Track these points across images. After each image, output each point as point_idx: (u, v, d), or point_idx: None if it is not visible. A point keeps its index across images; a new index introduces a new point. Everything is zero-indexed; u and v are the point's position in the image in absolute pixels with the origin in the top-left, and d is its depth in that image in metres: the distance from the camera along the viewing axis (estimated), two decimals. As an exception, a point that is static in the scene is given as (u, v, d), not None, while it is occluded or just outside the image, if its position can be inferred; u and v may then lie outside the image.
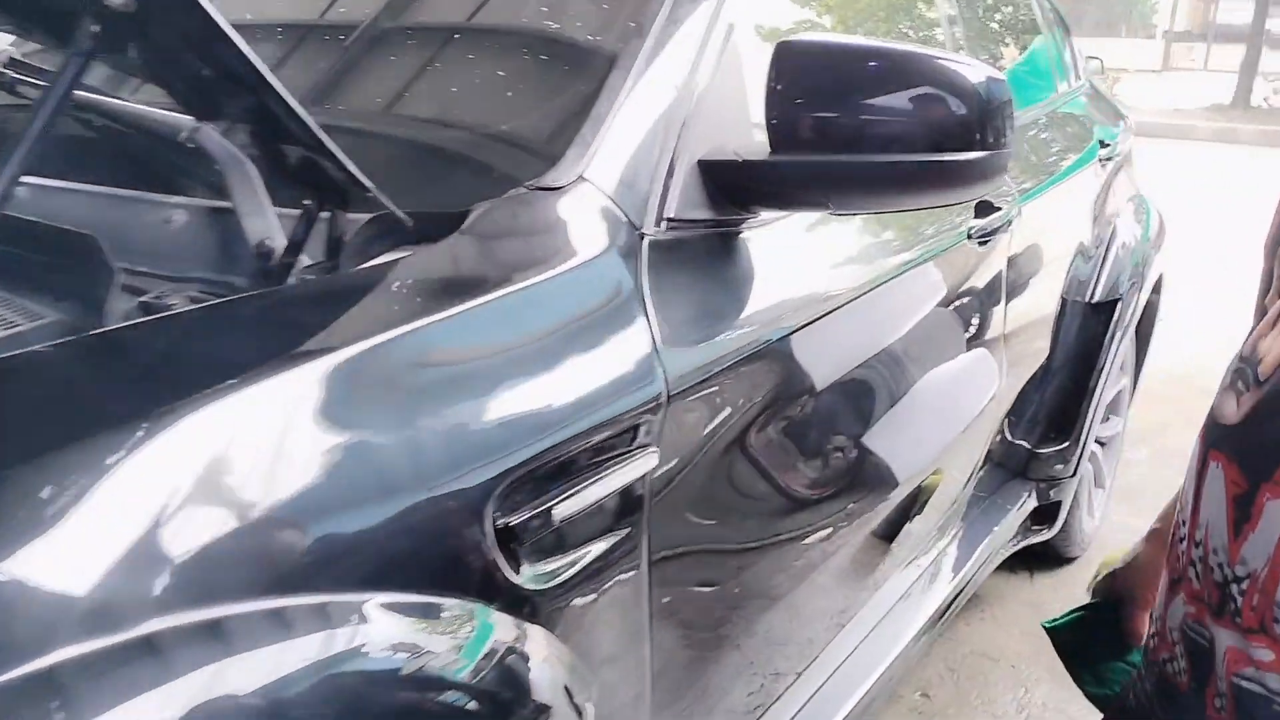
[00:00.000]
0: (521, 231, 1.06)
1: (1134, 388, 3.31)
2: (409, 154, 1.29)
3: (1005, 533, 2.55)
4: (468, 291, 0.95)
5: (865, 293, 1.50)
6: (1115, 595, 1.26)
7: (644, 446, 1.05)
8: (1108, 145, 2.89)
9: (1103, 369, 2.67)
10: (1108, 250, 2.75)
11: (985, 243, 1.90)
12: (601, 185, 1.12)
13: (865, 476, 1.66)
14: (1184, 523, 0.97)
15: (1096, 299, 2.67)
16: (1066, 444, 2.64)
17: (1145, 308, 2.98)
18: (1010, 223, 1.99)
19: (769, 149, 1.19)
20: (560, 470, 0.95)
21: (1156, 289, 3.10)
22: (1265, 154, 12.51)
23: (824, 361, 1.43)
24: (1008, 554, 2.64)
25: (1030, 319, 2.36)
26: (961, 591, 2.33)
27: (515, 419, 0.92)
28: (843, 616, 1.86)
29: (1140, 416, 3.50)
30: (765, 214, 1.31)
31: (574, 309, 1.03)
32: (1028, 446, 2.61)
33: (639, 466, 1.04)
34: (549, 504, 0.93)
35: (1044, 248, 2.38)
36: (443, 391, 0.88)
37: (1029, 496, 2.61)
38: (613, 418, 1.00)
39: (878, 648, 1.97)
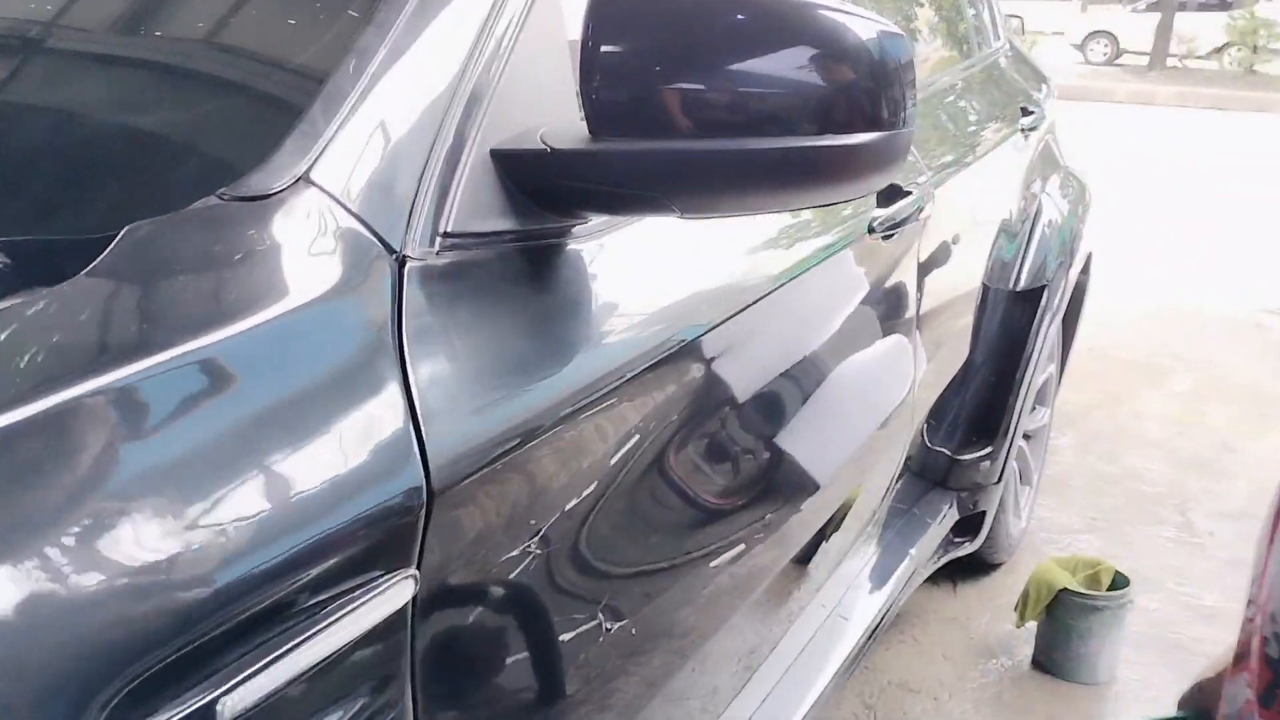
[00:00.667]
0: (199, 263, 0.72)
1: (1061, 374, 3.06)
2: (53, 159, 0.92)
3: (926, 549, 2.28)
4: (89, 366, 0.62)
5: (736, 314, 1.19)
6: (1204, 707, 1.15)
7: (391, 574, 0.72)
8: (1031, 113, 2.61)
9: (1029, 363, 2.41)
10: (1032, 231, 2.48)
11: (891, 236, 1.59)
12: (335, 190, 0.79)
13: (758, 520, 1.37)
14: (1254, 592, 0.90)
15: (1021, 285, 2.40)
16: (990, 448, 2.38)
17: (1074, 289, 2.72)
18: (922, 209, 1.68)
19: (588, 134, 0.87)
20: (236, 640, 0.62)
21: (1085, 268, 2.84)
22: (1180, 115, 12.49)
23: (686, 400, 1.12)
24: (929, 572, 2.38)
25: (947, 315, 2.08)
26: (880, 622, 2.07)
27: (154, 577, 0.58)
28: (750, 660, 1.57)
29: (1063, 397, 3.26)
30: (596, 218, 0.99)
31: (278, 379, 0.69)
32: (948, 453, 2.34)
33: (383, 604, 0.71)
34: (214, 697, 0.60)
35: (962, 233, 2.09)
36: (26, 539, 0.55)
37: (950, 507, 2.34)
38: (332, 540, 0.67)
39: (790, 694, 1.72)
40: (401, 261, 0.80)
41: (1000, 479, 2.43)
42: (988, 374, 2.38)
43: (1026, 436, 2.80)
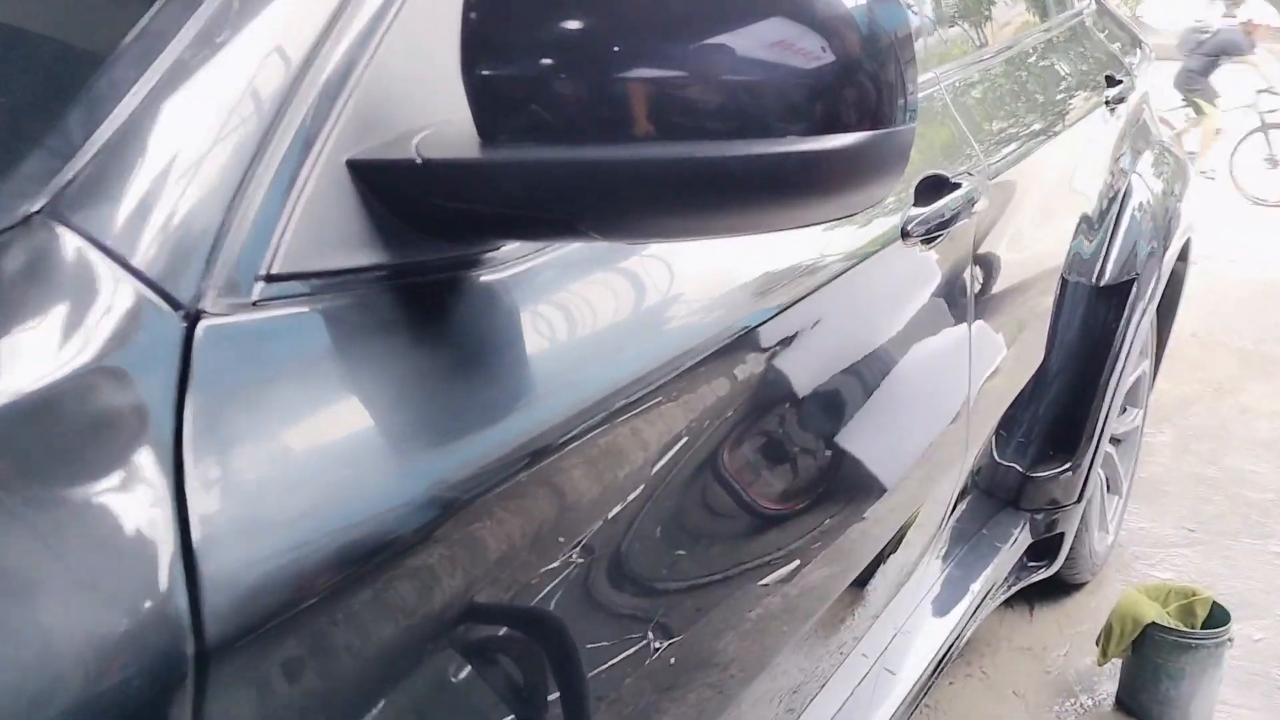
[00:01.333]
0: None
1: (1156, 371, 2.75)
2: None
3: (996, 575, 2.03)
4: None
5: (710, 357, 0.96)
6: None
7: None
8: (1119, 82, 2.30)
9: (1116, 366, 2.13)
10: (1119, 217, 2.19)
11: (935, 239, 1.34)
12: (90, 225, 0.59)
13: (792, 554, 1.18)
14: None
15: (1107, 279, 2.12)
16: (1069, 463, 2.11)
17: (1170, 278, 2.41)
18: (974, 201, 1.43)
19: (477, 139, 0.66)
20: None
21: (1184, 254, 2.52)
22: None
23: (648, 469, 0.90)
24: (1000, 600, 2.13)
25: (1013, 317, 1.81)
26: (944, 658, 1.84)
27: None
28: (793, 702, 1.38)
29: (1159, 388, 2.94)
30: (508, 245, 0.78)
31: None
32: (1019, 469, 2.08)
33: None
34: None
35: (1030, 225, 1.81)
36: None
37: (1022, 530, 2.09)
38: None
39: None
40: (192, 320, 0.59)
41: (1082, 497, 2.16)
42: (1067, 380, 2.11)
43: (1115, 441, 2.52)
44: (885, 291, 1.28)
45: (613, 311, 0.88)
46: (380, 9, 0.73)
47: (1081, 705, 2.16)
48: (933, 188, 1.33)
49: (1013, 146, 1.70)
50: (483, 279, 0.77)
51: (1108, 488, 2.54)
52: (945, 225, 1.34)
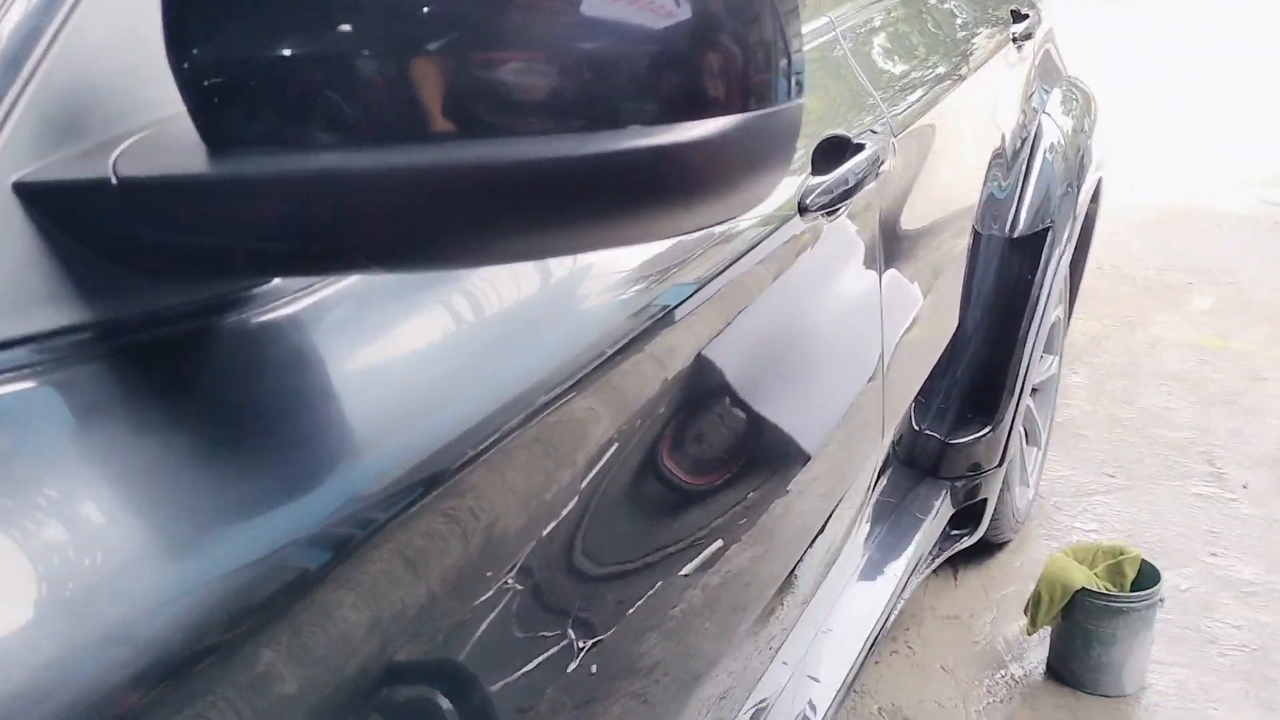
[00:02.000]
0: None
1: (1070, 314, 2.66)
2: None
3: (921, 549, 1.92)
4: None
5: (591, 371, 0.79)
6: None
7: None
8: (1025, 16, 2.16)
9: (1033, 321, 2.01)
10: (1031, 161, 2.06)
11: (836, 211, 1.17)
12: None
13: (712, 550, 1.06)
14: None
15: (1021, 230, 1.99)
16: (989, 427, 1.99)
17: (1083, 221, 2.30)
18: (880, 162, 1.26)
19: (203, 147, 0.47)
20: None
21: (1095, 195, 2.41)
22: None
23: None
24: (925, 574, 2.01)
25: (924, 282, 1.66)
26: (874, 640, 1.72)
27: None
28: (721, 710, 1.24)
29: (1071, 326, 2.84)
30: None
31: None
32: (938, 438, 1.96)
33: None
34: None
35: (939, 182, 1.66)
36: None
37: (944, 500, 1.97)
38: None
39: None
40: None
41: (1003, 460, 2.05)
42: (984, 338, 1.99)
43: (1033, 391, 2.42)
44: (786, 269, 1.11)
45: (463, 325, 0.70)
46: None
47: (1012, 676, 2.07)
48: (833, 151, 1.16)
49: (918, 94, 1.54)
50: (254, 320, 0.58)
51: (1026, 440, 2.44)
52: (849, 193, 1.18)
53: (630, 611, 0.92)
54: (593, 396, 0.80)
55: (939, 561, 2.08)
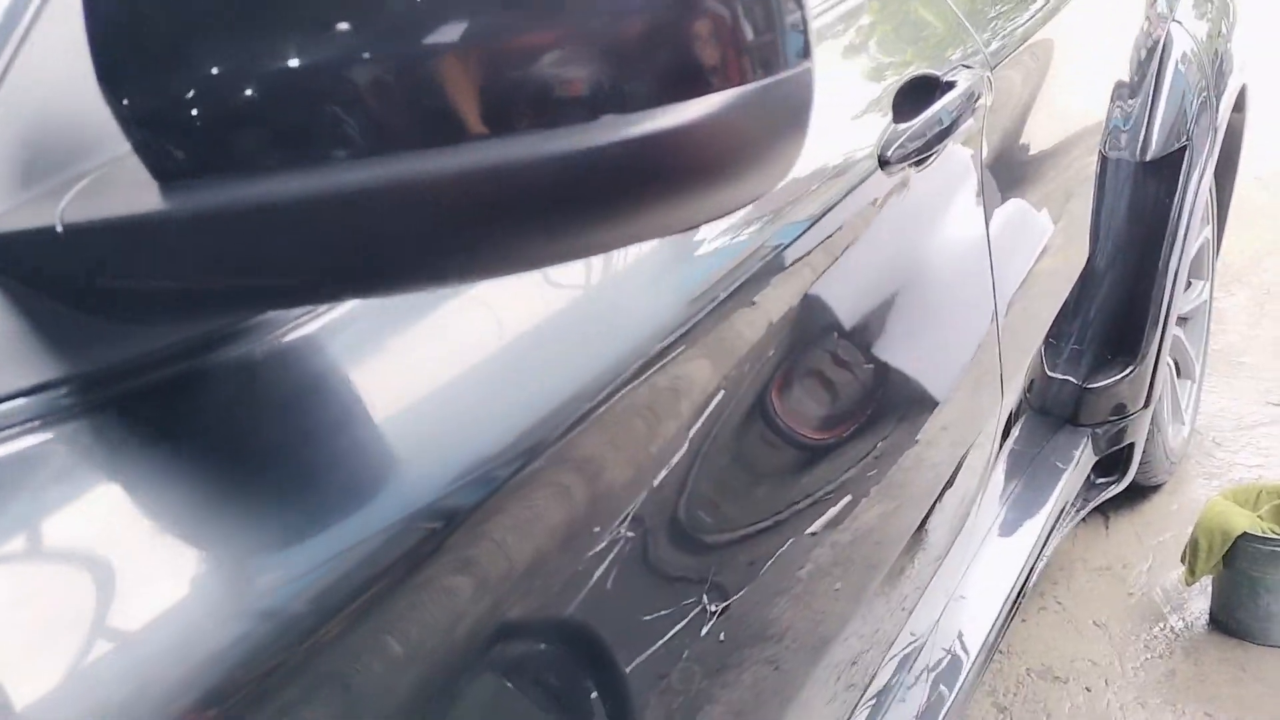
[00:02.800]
0: None
1: (1219, 235, 2.46)
2: None
3: (1063, 500, 1.81)
4: None
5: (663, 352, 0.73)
6: None
7: None
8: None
9: (1175, 248, 1.86)
10: (1160, 75, 1.89)
11: (926, 159, 1.08)
12: None
13: (832, 514, 1.02)
14: None
15: (1153, 152, 1.83)
16: (1130, 368, 1.85)
17: (1225, 133, 2.10)
18: (977, 98, 1.16)
19: (155, 183, 0.44)
20: None
21: (1239, 104, 2.21)
22: None
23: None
24: (1070, 526, 1.90)
25: (1043, 216, 1.54)
26: (1019, 596, 1.64)
27: None
28: (853, 676, 1.21)
29: (1225, 245, 2.62)
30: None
31: None
32: (1075, 382, 1.83)
33: None
34: None
35: (1051, 110, 1.53)
36: None
37: (1084, 449, 1.85)
38: None
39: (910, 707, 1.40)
40: None
41: (1149, 401, 1.91)
42: (1120, 273, 1.85)
43: (1181, 320, 2.25)
44: (871, 226, 1.03)
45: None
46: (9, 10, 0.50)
47: (1172, 629, 1.94)
48: (919, 93, 1.07)
49: (1019, 18, 1.42)
50: (256, 352, 0.55)
51: (1177, 373, 2.28)
52: (944, 135, 1.08)
53: (758, 575, 0.89)
54: (692, 361, 0.76)
55: (1086, 511, 1.96)
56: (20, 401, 0.46)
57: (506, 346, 0.64)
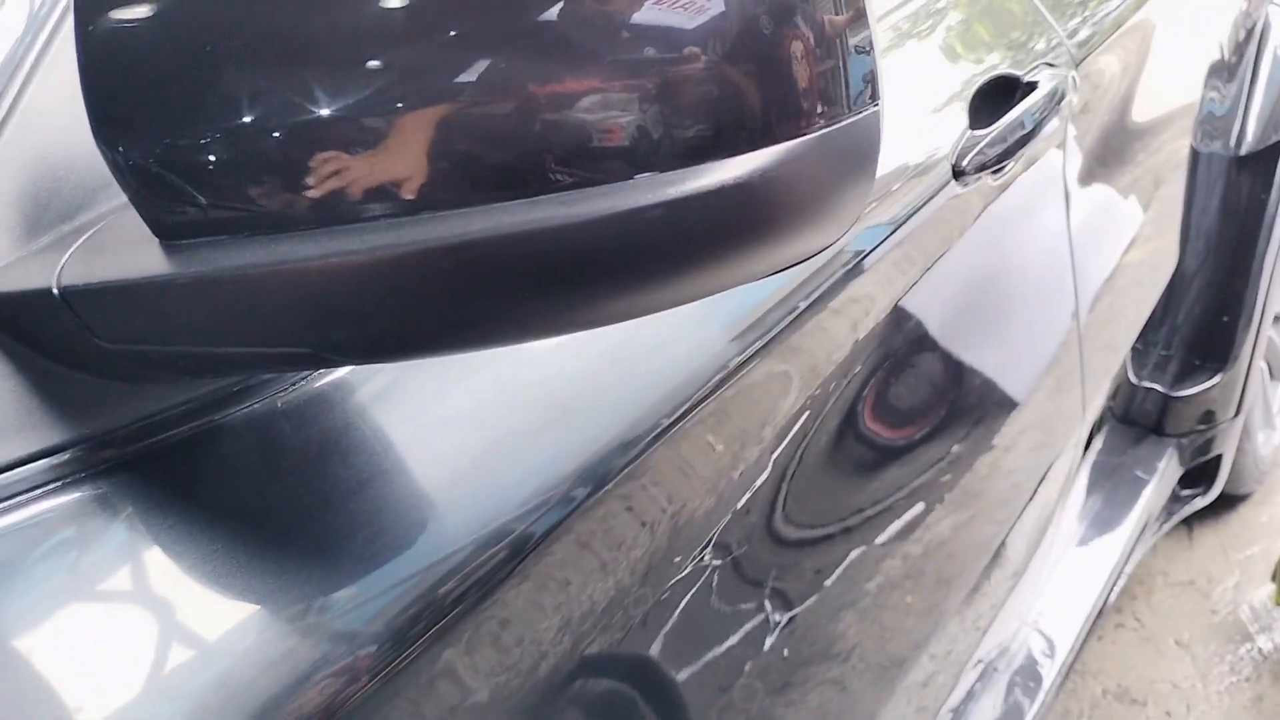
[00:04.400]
0: None
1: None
2: None
3: (1146, 511, 1.71)
4: None
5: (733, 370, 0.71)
6: None
7: None
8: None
9: (1271, 247, 1.74)
10: (1259, 61, 1.77)
11: (1001, 168, 1.00)
12: None
13: (904, 531, 0.99)
14: None
15: (1249, 145, 1.72)
16: (1220, 374, 1.75)
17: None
18: (1060, 97, 1.07)
19: (155, 239, 0.40)
20: None
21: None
22: None
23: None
24: (1153, 541, 1.81)
25: (1130, 216, 1.45)
26: (1098, 613, 1.57)
27: None
28: (924, 699, 1.17)
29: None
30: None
31: None
32: (1161, 389, 1.73)
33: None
34: None
35: (1138, 108, 1.43)
36: None
37: (1169, 461, 1.75)
38: None
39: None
40: None
41: (1240, 409, 1.80)
42: (1209, 276, 1.74)
43: (1277, 321, 2.13)
44: (949, 238, 0.96)
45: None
46: (9, 57, 0.46)
47: (1260, 651, 1.83)
48: (997, 94, 0.99)
49: (1105, 10, 1.32)
50: (259, 410, 0.51)
51: (1270, 375, 2.16)
52: (1024, 141, 1.00)
53: (824, 588, 0.87)
54: (768, 369, 0.74)
55: (1170, 525, 1.86)
56: (28, 468, 0.44)
57: (575, 362, 0.62)
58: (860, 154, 0.38)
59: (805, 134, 0.35)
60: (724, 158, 0.35)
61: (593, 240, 0.35)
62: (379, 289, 0.38)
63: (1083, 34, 1.22)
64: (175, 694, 0.42)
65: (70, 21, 0.41)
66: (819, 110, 0.35)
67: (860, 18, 0.37)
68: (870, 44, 0.37)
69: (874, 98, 0.37)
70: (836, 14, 0.36)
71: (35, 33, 0.48)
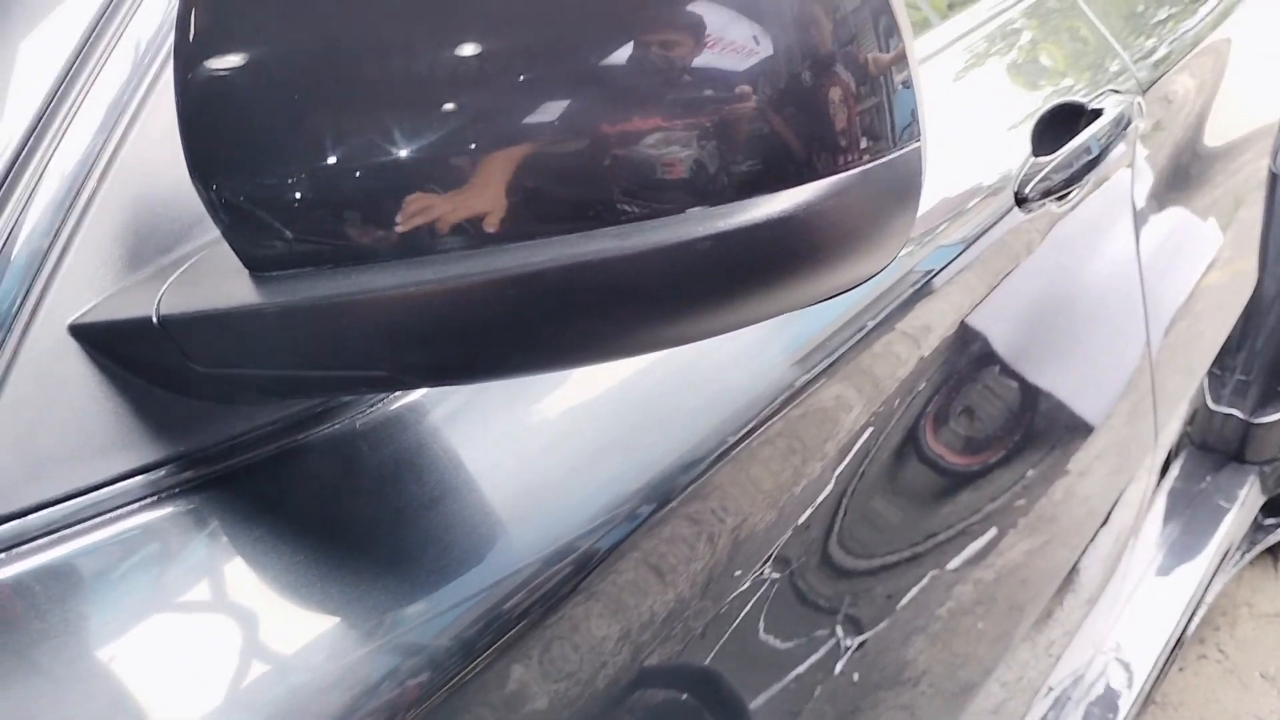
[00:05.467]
0: None
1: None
2: None
3: (1228, 539, 1.68)
4: None
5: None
6: None
7: None
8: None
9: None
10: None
11: (1067, 194, 1.00)
12: None
13: (973, 559, 1.00)
14: None
15: (1330, 166, 1.68)
16: (1305, 399, 1.71)
17: None
18: (1126, 124, 1.07)
19: (245, 270, 0.44)
20: None
21: None
22: None
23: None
24: (1234, 571, 1.77)
25: (1206, 239, 1.43)
26: (1178, 643, 1.54)
27: None
28: None
29: None
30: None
31: None
32: (1240, 416, 1.70)
33: None
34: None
35: (1212, 130, 1.42)
36: None
37: (1251, 488, 1.71)
38: None
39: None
40: None
41: (1326, 435, 1.76)
42: (1290, 298, 1.70)
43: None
44: (1010, 265, 0.97)
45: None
46: (115, 101, 0.50)
47: (1352, 687, 1.78)
48: (1062, 123, 0.99)
49: (1176, 33, 1.32)
50: (339, 430, 0.54)
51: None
52: (1090, 167, 1.00)
53: (894, 612, 0.87)
54: (835, 391, 0.76)
55: (1254, 553, 1.82)
56: (128, 483, 0.48)
57: (643, 380, 0.64)
58: (903, 188, 0.39)
59: (848, 169, 0.37)
60: (771, 192, 0.37)
61: (647, 270, 0.38)
62: (450, 316, 0.40)
63: (1151, 58, 1.22)
64: (253, 704, 0.45)
65: (170, 70, 0.45)
66: (861, 146, 0.37)
67: (902, 58, 0.38)
68: (912, 82, 0.39)
69: (916, 134, 0.39)
70: (878, 55, 0.38)
71: (139, 80, 0.52)
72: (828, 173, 0.37)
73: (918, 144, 0.39)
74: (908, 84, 0.39)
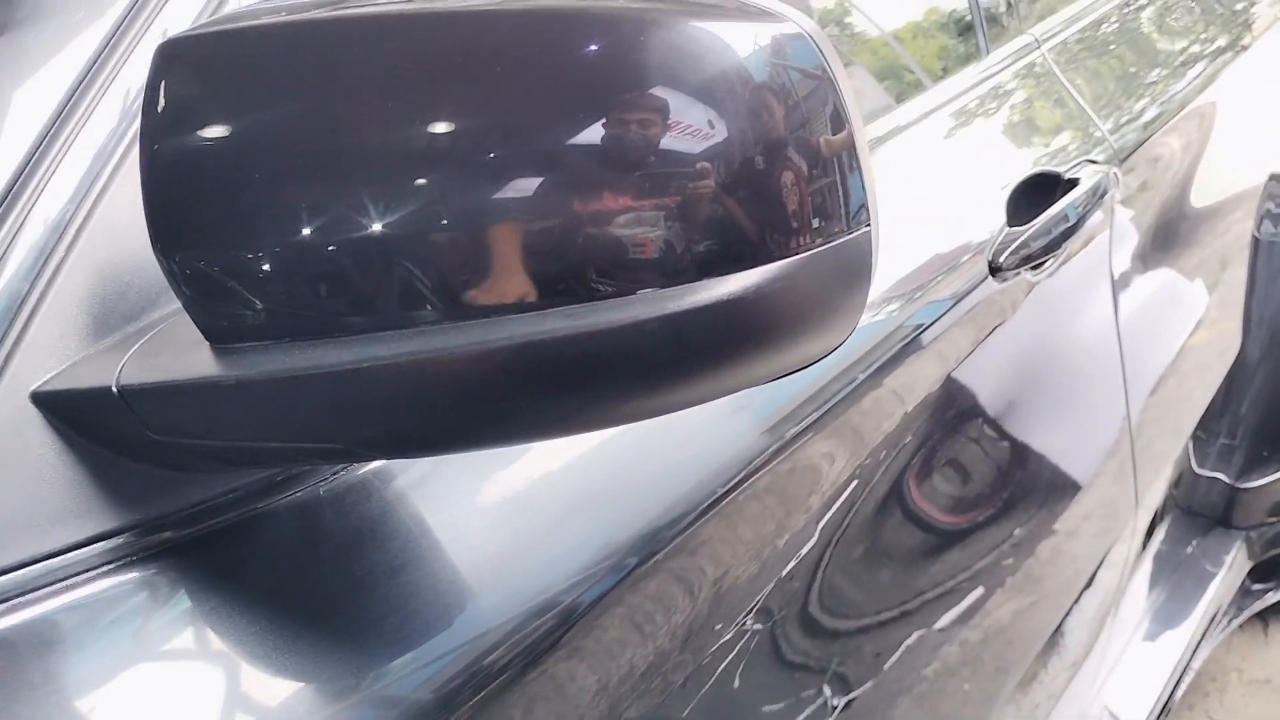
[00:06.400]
0: None
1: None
2: None
3: (1215, 604, 1.67)
4: None
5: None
6: None
7: None
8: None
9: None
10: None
11: (1042, 264, 1.01)
12: None
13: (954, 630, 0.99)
14: None
15: (1312, 235, 1.70)
16: (1291, 464, 1.71)
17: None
18: (1103, 194, 1.08)
19: (206, 343, 0.44)
20: None
21: None
22: None
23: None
24: (1221, 637, 1.75)
25: (1185, 304, 1.45)
26: (1166, 709, 1.53)
27: None
28: None
29: None
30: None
31: None
32: (1226, 480, 1.70)
33: None
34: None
35: (1193, 197, 1.44)
36: None
37: (1237, 553, 1.71)
38: None
39: None
40: None
41: (1313, 500, 1.76)
42: (1276, 363, 1.71)
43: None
44: (983, 334, 0.97)
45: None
46: (88, 171, 0.51)
47: (1343, 756, 1.76)
48: (1037, 192, 1.01)
49: (1167, 97, 1.34)
50: (302, 497, 0.54)
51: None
52: (1065, 237, 1.01)
53: (880, 672, 0.87)
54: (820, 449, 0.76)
55: (1242, 618, 1.81)
56: (86, 550, 0.48)
57: (614, 445, 0.64)
58: (853, 270, 0.40)
59: (797, 253, 0.38)
60: (720, 275, 0.38)
61: (599, 350, 0.38)
62: (403, 392, 0.41)
63: (1139, 120, 1.23)
64: None
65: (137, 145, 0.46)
66: (810, 230, 0.38)
67: (851, 145, 0.39)
68: (861, 168, 0.40)
69: (866, 218, 0.40)
70: (827, 142, 0.39)
71: (111, 151, 0.53)
72: (776, 257, 0.38)
73: (868, 228, 0.40)
74: (857, 170, 0.39)
